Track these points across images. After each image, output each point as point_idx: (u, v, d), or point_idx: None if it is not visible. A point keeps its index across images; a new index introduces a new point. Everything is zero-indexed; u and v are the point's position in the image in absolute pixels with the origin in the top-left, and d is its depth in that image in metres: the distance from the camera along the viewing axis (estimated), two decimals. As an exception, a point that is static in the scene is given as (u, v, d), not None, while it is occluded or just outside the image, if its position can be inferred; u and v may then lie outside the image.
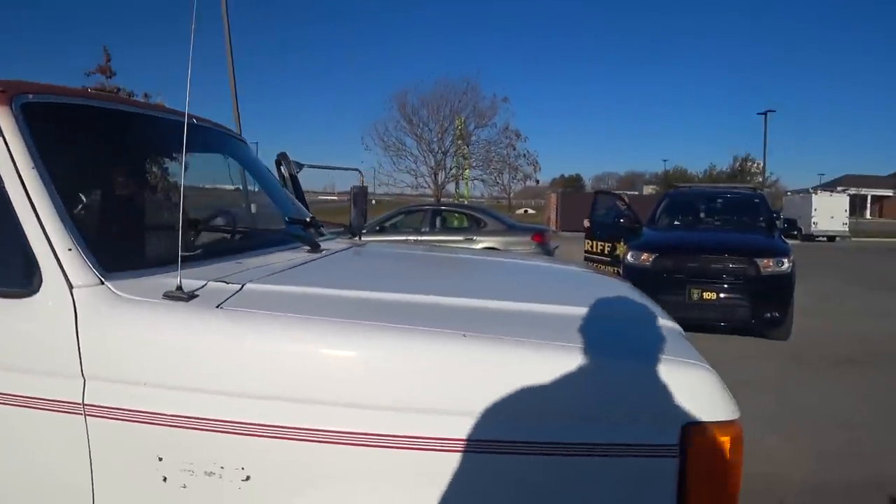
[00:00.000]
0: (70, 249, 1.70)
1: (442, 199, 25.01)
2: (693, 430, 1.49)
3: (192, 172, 4.22)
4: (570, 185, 77.19)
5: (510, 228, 13.64)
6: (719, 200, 10.34)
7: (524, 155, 26.81)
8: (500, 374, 1.52)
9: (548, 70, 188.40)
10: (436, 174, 25.42)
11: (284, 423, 1.52)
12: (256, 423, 1.52)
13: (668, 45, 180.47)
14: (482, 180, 26.73)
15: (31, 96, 1.93)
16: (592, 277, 2.99)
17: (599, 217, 11.01)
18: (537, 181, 31.55)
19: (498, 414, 1.48)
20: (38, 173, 1.77)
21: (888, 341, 8.13)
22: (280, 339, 1.59)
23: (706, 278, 7.75)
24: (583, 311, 1.88)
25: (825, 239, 36.51)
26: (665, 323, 1.97)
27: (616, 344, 1.69)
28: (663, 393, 1.50)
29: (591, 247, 10.29)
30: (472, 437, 1.47)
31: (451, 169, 25.80)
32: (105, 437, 1.61)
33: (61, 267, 1.67)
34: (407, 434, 1.49)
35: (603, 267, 9.82)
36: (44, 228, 1.70)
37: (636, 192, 53.78)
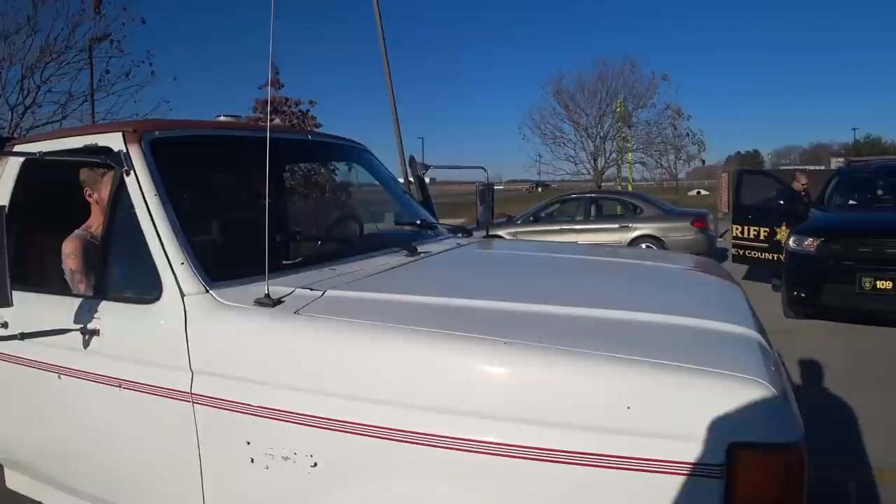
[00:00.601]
0: (182, 263, 2.04)
1: (603, 185, 24.42)
2: (741, 450, 1.41)
3: (319, 182, 4.44)
4: (746, 162, 72.78)
5: (668, 214, 13.09)
6: None
7: (688, 134, 25.59)
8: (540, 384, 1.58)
9: (717, 40, 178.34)
10: (595, 159, 24.83)
11: (345, 418, 1.71)
12: (323, 416, 1.73)
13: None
14: (643, 163, 25.81)
15: (157, 133, 2.33)
16: (692, 279, 2.80)
17: (750, 198, 10.23)
18: (703, 161, 30.00)
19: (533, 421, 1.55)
20: (161, 200, 2.14)
21: None
22: (343, 342, 1.79)
23: (881, 265, 6.98)
24: (654, 318, 1.87)
25: None
26: (745, 333, 1.86)
27: (673, 355, 1.59)
28: (711, 408, 1.43)
29: (742, 232, 9.48)
30: (522, 444, 1.55)
31: (610, 153, 25.13)
32: (208, 421, 1.93)
33: (176, 278, 2.02)
34: (437, 433, 1.62)
35: (759, 254, 9.16)
36: (163, 246, 2.07)
37: (822, 167, 49.60)
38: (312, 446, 1.75)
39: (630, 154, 25.54)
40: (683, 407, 1.46)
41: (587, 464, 1.48)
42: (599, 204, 13.87)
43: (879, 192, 9.11)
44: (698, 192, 61.79)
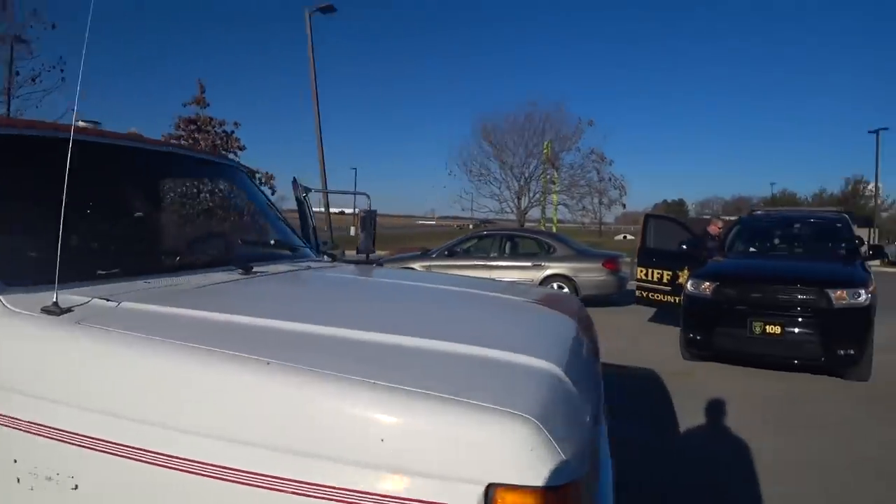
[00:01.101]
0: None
1: (526, 225, 24.68)
2: (500, 491, 1.28)
3: (178, 196, 4.23)
4: (672, 210, 75.16)
5: (580, 254, 13.23)
6: (797, 226, 9.54)
7: (610, 179, 26.22)
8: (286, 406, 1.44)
9: (651, 94, 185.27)
10: (519, 198, 25.12)
11: (105, 437, 1.56)
12: (83, 434, 1.59)
13: (773, 64, 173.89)
14: (566, 205, 26.23)
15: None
16: (528, 311, 2.68)
17: (656, 243, 10.44)
18: (624, 205, 30.70)
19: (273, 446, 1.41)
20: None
21: None
22: (108, 356, 1.66)
23: (770, 310, 7.14)
24: (445, 346, 1.74)
25: (949, 268, 33.73)
26: (541, 367, 1.71)
27: (443, 384, 1.45)
28: (470, 444, 1.31)
29: (646, 274, 9.61)
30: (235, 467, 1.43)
31: (535, 193, 25.44)
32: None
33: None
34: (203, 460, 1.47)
35: (661, 297, 9.27)
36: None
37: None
38: (74, 467, 1.60)
39: (555, 195, 25.89)
40: (440, 441, 1.32)
41: (329, 498, 1.33)
42: (515, 242, 13.92)
43: (776, 240, 9.39)
44: (624, 237, 63.25)
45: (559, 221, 30.02)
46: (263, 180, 19.75)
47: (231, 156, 19.34)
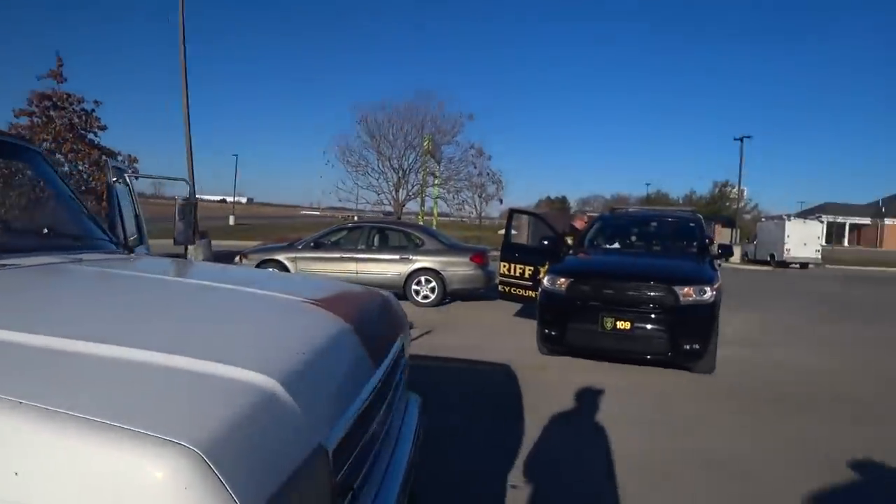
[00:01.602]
0: None
1: (403, 217, 24.45)
2: None
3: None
4: (555, 207, 77.03)
5: (448, 248, 13.07)
6: (652, 224, 9.76)
7: (488, 174, 26.44)
8: None
9: (537, 95, 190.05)
10: (397, 190, 24.81)
11: None
12: None
13: (653, 69, 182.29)
14: (444, 199, 26.18)
15: None
16: (286, 313, 2.31)
17: (519, 238, 10.45)
18: (501, 200, 31.12)
19: None
20: None
21: (824, 379, 7.58)
22: None
23: (621, 306, 7.17)
24: (140, 355, 1.38)
25: (798, 266, 36.20)
26: (250, 380, 1.36)
27: (103, 406, 1.09)
28: (116, 481, 0.98)
29: (509, 270, 9.54)
30: None
31: (413, 186, 25.20)
32: None
33: None
34: None
35: (523, 292, 9.23)
36: None
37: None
38: None
39: (436, 188, 25.77)
40: (79, 474, 0.99)
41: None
42: (383, 234, 13.61)
43: (633, 238, 9.53)
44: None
45: (440, 215, 30.04)
46: (127, 163, 18.45)
47: (91, 136, 17.99)
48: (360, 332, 2.20)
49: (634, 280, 7.33)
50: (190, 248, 16.30)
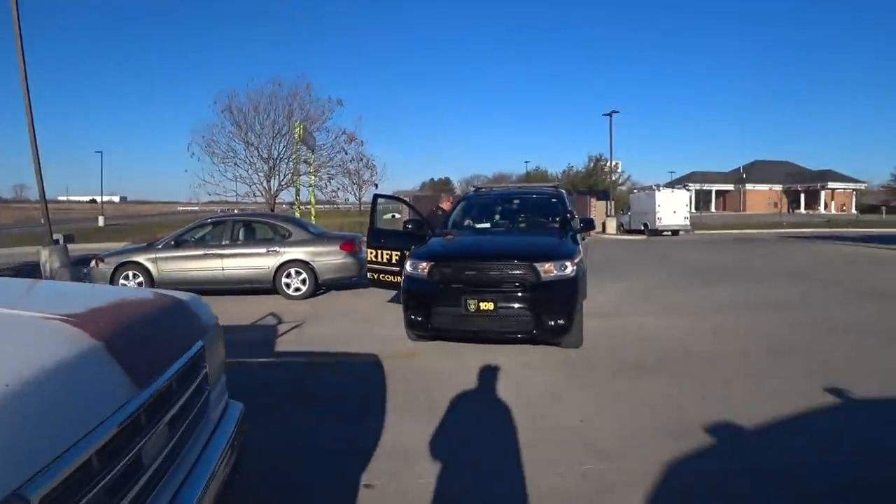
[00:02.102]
0: None
1: (276, 209, 23.71)
2: None
3: None
4: (439, 188, 77.29)
5: (317, 238, 12.63)
6: (515, 202, 9.69)
7: (361, 159, 26.02)
8: None
9: (415, 78, 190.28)
10: (269, 180, 23.97)
11: None
12: None
13: (524, 47, 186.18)
14: (318, 187, 25.50)
15: None
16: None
17: (381, 222, 10.19)
18: (376, 185, 30.77)
19: None
20: None
21: (684, 343, 7.76)
22: None
23: (483, 287, 7.03)
24: None
25: (670, 233, 37.90)
26: None
27: None
28: None
29: (376, 255, 9.23)
30: None
31: (285, 175, 24.41)
32: None
33: None
34: None
35: (391, 278, 9.00)
36: None
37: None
38: None
39: (311, 177, 25.06)
40: None
41: None
42: (249, 227, 13.00)
43: (497, 217, 9.46)
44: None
45: (318, 203, 29.37)
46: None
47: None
48: (116, 349, 1.88)
49: (495, 259, 7.21)
50: (43, 253, 15.17)
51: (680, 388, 5.86)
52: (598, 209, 43.64)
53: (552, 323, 6.91)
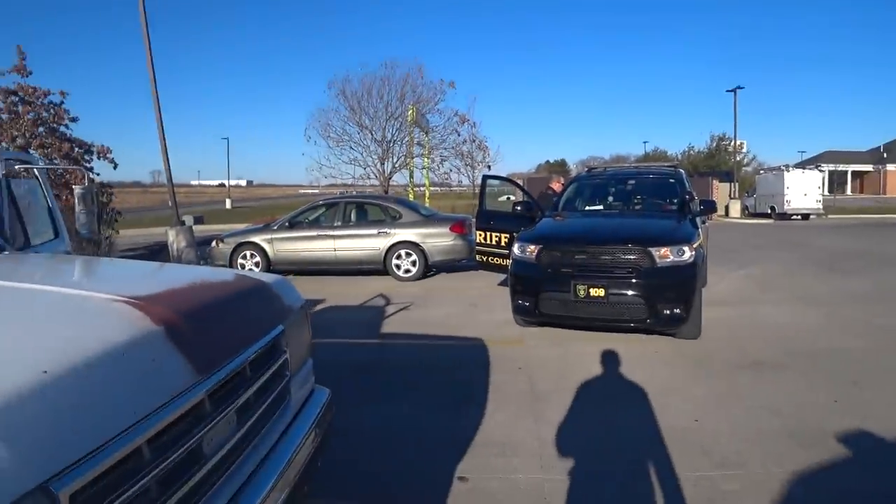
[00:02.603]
0: None
1: (390, 190, 23.95)
2: None
3: None
4: (554, 170, 76.31)
5: (427, 219, 12.59)
6: (631, 182, 9.18)
7: (473, 140, 25.82)
8: None
9: (531, 59, 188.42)
10: (382, 163, 24.23)
11: None
12: None
13: (641, 23, 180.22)
14: (430, 168, 25.53)
15: None
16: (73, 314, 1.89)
17: (494, 204, 9.90)
18: (489, 167, 30.43)
19: None
20: None
21: (812, 337, 7.15)
22: None
23: (593, 272, 6.70)
24: None
25: (799, 217, 35.60)
26: None
27: None
28: None
29: (485, 238, 9.01)
30: None
31: (399, 158, 24.59)
32: None
33: None
34: None
35: (500, 260, 8.78)
36: None
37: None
38: None
39: (426, 159, 25.16)
40: None
41: None
42: (360, 209, 13.13)
43: (610, 198, 9.03)
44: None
45: (432, 185, 29.51)
46: (99, 154, 17.96)
47: (63, 129, 17.52)
48: (178, 334, 1.79)
49: (606, 243, 6.85)
50: (170, 233, 15.94)
51: (807, 389, 5.34)
52: (720, 191, 41.57)
53: (667, 312, 6.51)
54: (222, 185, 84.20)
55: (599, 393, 5.38)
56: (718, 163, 57.18)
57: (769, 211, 36.93)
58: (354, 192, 23.77)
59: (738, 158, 51.46)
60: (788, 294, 9.94)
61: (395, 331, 7.91)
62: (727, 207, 39.33)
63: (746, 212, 40.03)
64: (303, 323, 2.93)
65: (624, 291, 6.56)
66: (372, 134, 24.23)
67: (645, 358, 6.34)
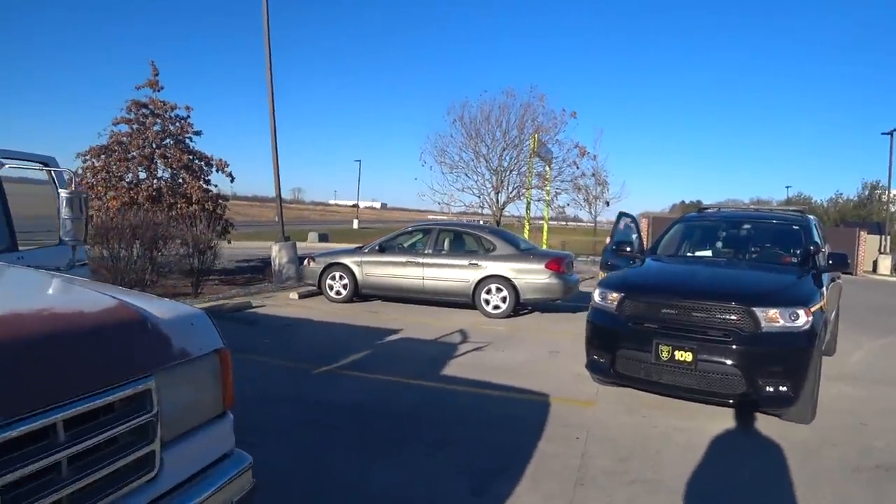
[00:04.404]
0: None
1: (503, 221, 23.13)
2: None
3: None
4: (689, 210, 73.13)
5: (522, 254, 11.63)
6: (746, 227, 7.85)
7: (593, 174, 24.54)
8: None
9: (667, 96, 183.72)
10: (497, 192, 23.45)
11: None
12: None
13: (786, 64, 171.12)
14: (545, 201, 24.48)
15: None
16: None
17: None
18: (607, 203, 28.99)
19: None
20: None
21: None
22: None
23: (682, 331, 5.59)
24: None
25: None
26: None
27: None
28: None
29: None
30: None
31: (513, 188, 23.75)
32: None
33: None
34: None
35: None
36: None
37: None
38: None
39: (547, 191, 24.19)
40: None
41: None
42: (453, 238, 12.37)
43: (719, 244, 7.77)
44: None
45: (551, 219, 28.51)
46: (217, 167, 18.42)
47: (188, 142, 18.09)
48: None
49: (701, 297, 5.71)
50: (274, 248, 15.92)
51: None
52: (868, 244, 37.83)
53: (770, 389, 5.31)
54: (356, 206, 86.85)
55: (664, 485, 4.31)
56: (870, 213, 52.54)
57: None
58: (481, 221, 23.14)
59: (891, 209, 46.99)
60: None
61: (457, 374, 7.08)
62: (875, 262, 35.78)
63: (875, 271, 36.27)
64: (205, 374, 2.28)
65: (716, 359, 5.42)
66: (487, 162, 23.56)
67: (737, 443, 5.19)
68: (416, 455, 4.59)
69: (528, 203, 24.29)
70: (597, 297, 6.33)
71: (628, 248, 7.84)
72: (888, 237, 39.47)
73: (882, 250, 37.64)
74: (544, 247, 23.35)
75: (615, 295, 6.10)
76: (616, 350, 5.92)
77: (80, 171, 16.51)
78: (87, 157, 16.90)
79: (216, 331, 2.39)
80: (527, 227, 24.04)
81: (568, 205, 26.44)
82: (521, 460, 4.57)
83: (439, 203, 24.32)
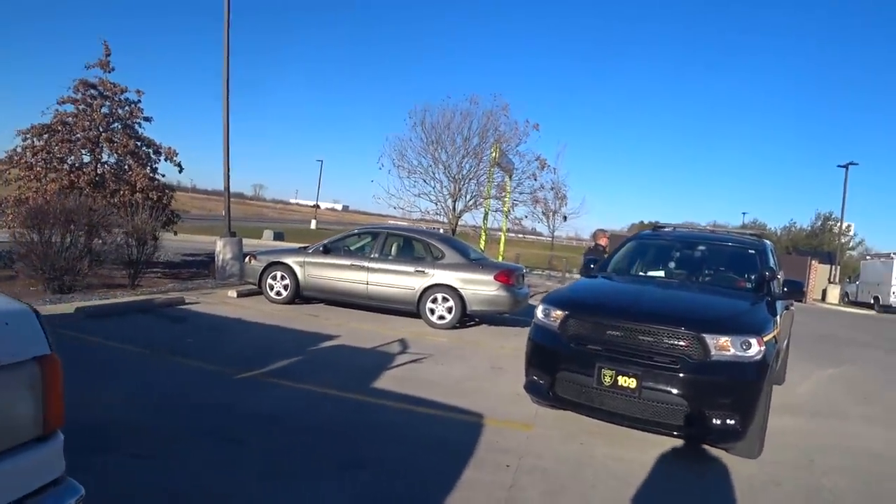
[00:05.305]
0: None
1: (458, 230, 22.67)
2: None
3: None
4: (647, 230, 73.63)
5: (471, 264, 11.18)
6: (700, 248, 7.51)
7: (552, 188, 24.27)
8: None
9: (630, 115, 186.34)
10: (454, 200, 23.02)
11: None
12: None
13: (746, 90, 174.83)
14: (501, 212, 24.11)
15: None
16: None
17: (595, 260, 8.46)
18: (565, 217, 28.76)
19: None
20: None
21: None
22: None
23: (625, 355, 5.20)
24: None
25: (907, 313, 32.24)
26: None
27: None
28: None
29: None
30: None
31: (471, 197, 23.32)
32: None
33: None
34: None
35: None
36: None
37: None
38: None
39: (506, 202, 23.84)
40: None
41: None
42: (401, 243, 11.87)
43: (672, 264, 7.40)
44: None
45: (509, 231, 28.18)
46: (166, 156, 17.59)
47: (136, 127, 17.25)
48: None
49: (648, 321, 5.31)
50: (219, 243, 15.30)
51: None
52: (819, 273, 38.48)
53: (717, 422, 4.95)
54: (317, 206, 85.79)
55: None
56: (821, 243, 53.52)
57: (872, 301, 33.66)
58: (441, 230, 22.59)
59: (842, 240, 47.87)
60: (888, 410, 8.07)
61: (389, 387, 6.60)
62: (825, 291, 36.34)
63: (846, 299, 36.82)
64: (16, 386, 1.77)
65: (662, 387, 5.03)
66: (446, 168, 23.07)
67: (679, 478, 4.82)
68: (321, 478, 4.10)
69: (486, 213, 23.93)
70: (539, 313, 5.92)
71: (584, 266, 7.50)
72: (838, 268, 40.13)
73: (832, 279, 38.24)
74: (500, 258, 22.98)
75: (558, 312, 5.69)
76: (556, 371, 5.50)
77: (19, 150, 15.61)
78: (28, 136, 15.97)
79: (44, 334, 1.90)
80: (483, 237, 23.64)
81: (525, 217, 26.11)
82: (443, 490, 4.11)
83: (395, 207, 23.78)
